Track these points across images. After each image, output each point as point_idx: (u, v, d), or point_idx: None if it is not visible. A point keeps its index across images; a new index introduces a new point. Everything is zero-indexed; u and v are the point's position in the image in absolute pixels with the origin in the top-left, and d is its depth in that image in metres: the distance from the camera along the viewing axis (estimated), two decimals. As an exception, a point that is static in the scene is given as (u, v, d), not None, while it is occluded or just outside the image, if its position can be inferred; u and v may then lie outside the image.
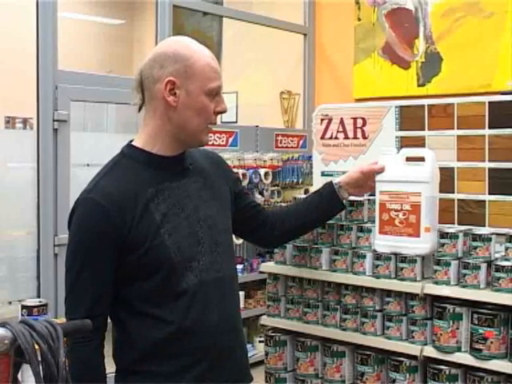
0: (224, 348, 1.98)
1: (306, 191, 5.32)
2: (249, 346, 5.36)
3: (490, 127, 2.55)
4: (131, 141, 2.05)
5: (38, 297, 3.82)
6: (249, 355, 5.15)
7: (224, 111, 2.01)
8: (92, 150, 4.95)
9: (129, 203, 1.90)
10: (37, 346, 1.37)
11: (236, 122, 6.80)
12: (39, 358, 1.36)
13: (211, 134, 5.01)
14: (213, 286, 1.97)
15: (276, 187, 5.48)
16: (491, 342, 2.19)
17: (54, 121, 4.08)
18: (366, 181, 2.45)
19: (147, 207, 1.91)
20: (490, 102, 2.56)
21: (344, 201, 2.43)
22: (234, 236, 2.24)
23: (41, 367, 1.35)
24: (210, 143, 5.05)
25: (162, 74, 1.93)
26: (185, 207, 1.98)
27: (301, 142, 5.97)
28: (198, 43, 2.04)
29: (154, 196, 1.93)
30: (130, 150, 2.01)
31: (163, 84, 1.93)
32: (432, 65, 5.47)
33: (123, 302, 1.94)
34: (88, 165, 4.81)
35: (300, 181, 5.62)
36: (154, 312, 1.91)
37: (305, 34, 6.28)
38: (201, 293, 1.94)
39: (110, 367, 2.00)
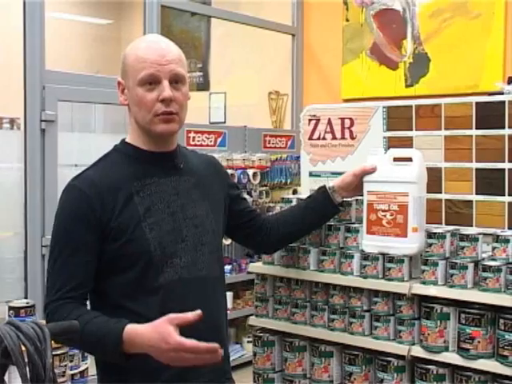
0: None
1: (295, 191, 5.32)
2: (237, 346, 5.37)
3: (477, 128, 2.55)
4: (125, 138, 2.10)
5: (26, 298, 3.80)
6: (237, 356, 5.21)
7: (164, 98, 1.93)
8: (80, 151, 4.94)
9: (111, 193, 1.93)
10: (23, 348, 1.36)
11: (224, 122, 6.80)
12: (26, 360, 1.35)
13: (199, 134, 5.09)
14: (194, 285, 1.97)
15: (264, 187, 5.49)
16: (478, 342, 2.20)
17: (41, 121, 4.07)
18: (360, 182, 2.46)
19: (131, 199, 1.94)
20: (477, 103, 2.57)
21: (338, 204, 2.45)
22: (223, 237, 2.24)
23: (27, 369, 1.35)
24: (199, 143, 5.06)
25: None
26: (171, 204, 1.99)
27: (289, 143, 5.98)
28: (153, 37, 2.09)
29: (139, 189, 1.96)
30: (121, 146, 2.08)
31: (117, 86, 2.05)
32: (420, 65, 5.50)
33: (102, 295, 1.96)
34: (76, 165, 4.80)
35: (288, 181, 5.62)
36: (131, 306, 1.92)
37: (293, 35, 6.29)
38: (179, 290, 1.94)
39: (94, 369, 2.00)
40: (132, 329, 1.80)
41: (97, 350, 1.92)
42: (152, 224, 1.94)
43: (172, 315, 1.76)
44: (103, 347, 1.84)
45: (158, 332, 1.75)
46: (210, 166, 2.23)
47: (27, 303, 2.51)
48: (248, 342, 5.23)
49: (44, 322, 1.84)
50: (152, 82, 1.94)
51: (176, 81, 1.97)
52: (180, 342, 1.73)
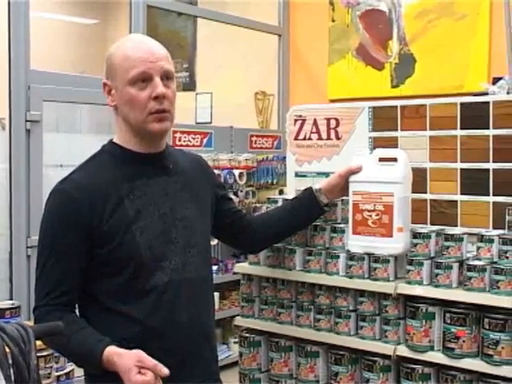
0: (192, 351, 1.99)
1: (281, 192, 5.33)
2: (224, 346, 5.37)
3: (461, 128, 2.57)
4: (113, 138, 2.08)
5: (11, 299, 3.78)
6: (224, 356, 5.20)
7: (158, 95, 1.93)
8: (65, 151, 4.91)
9: (100, 196, 1.92)
10: (7, 349, 1.35)
11: (210, 122, 6.80)
12: (10, 361, 1.35)
13: (185, 134, 5.09)
14: (183, 287, 1.98)
15: (251, 188, 5.48)
16: (463, 341, 2.21)
17: (26, 121, 4.05)
18: (346, 183, 2.47)
19: (122, 202, 1.93)
20: (461, 103, 2.58)
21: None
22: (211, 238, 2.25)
23: (11, 370, 1.34)
24: (185, 144, 5.06)
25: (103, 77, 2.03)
26: (161, 206, 1.99)
27: (275, 143, 5.98)
28: (138, 36, 2.08)
29: (129, 191, 1.95)
30: (109, 147, 2.06)
31: (102, 88, 2.02)
32: (405, 66, 5.52)
33: (92, 297, 1.95)
34: (61, 166, 4.77)
35: (275, 181, 5.63)
36: (121, 309, 1.92)
37: (279, 35, 6.30)
38: (170, 292, 1.95)
39: (80, 370, 2.00)
40: (111, 352, 1.83)
41: (78, 364, 2.00)
42: (142, 227, 1.93)
43: (145, 359, 1.79)
44: (84, 364, 1.93)
45: (123, 365, 1.79)
46: (198, 165, 2.23)
47: (12, 304, 2.51)
48: (234, 342, 5.22)
49: (29, 323, 1.84)
50: (144, 79, 1.93)
51: (167, 77, 1.97)
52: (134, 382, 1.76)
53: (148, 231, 1.94)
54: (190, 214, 2.05)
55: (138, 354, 1.79)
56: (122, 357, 1.80)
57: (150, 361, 1.78)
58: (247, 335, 2.71)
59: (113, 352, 1.82)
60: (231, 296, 5.47)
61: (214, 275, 5.05)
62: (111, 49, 2.02)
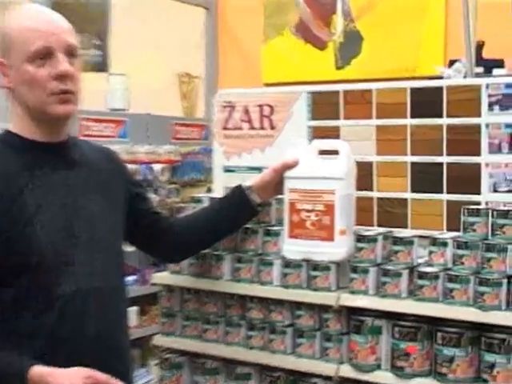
0: (103, 367, 1.97)
1: (209, 190, 5.31)
2: (143, 370, 5.32)
3: (412, 116, 2.61)
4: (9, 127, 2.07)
5: None
6: (143, 381, 5.12)
7: (62, 73, 1.93)
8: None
9: None
10: None
11: (127, 109, 6.73)
12: None
13: (96, 123, 5.01)
14: (91, 296, 1.98)
15: (174, 185, 5.46)
16: (414, 358, 2.25)
17: None
18: (281, 180, 2.48)
19: (20, 194, 1.93)
20: (411, 89, 2.62)
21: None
22: (126, 243, 2.24)
23: None
24: (95, 134, 4.98)
25: None
26: (62, 197, 2.00)
27: (203, 133, 5.96)
28: (35, 6, 2.08)
29: (28, 181, 1.95)
30: (5, 136, 2.06)
31: None
32: (351, 45, 5.56)
33: None
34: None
35: (202, 177, 5.61)
36: (25, 320, 1.90)
37: (206, 8, 6.29)
38: (77, 301, 1.94)
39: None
40: (38, 372, 1.82)
41: None
42: (43, 221, 1.93)
43: (95, 374, 1.82)
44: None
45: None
46: (107, 158, 2.23)
47: None
48: (155, 364, 5.18)
49: None
50: (44, 55, 1.92)
51: (71, 54, 1.97)
52: None
53: (49, 225, 1.94)
54: (96, 208, 2.06)
55: (82, 370, 1.82)
56: (56, 376, 1.81)
57: (102, 375, 1.83)
58: (168, 356, 2.71)
59: (40, 371, 1.82)
60: (151, 311, 5.43)
61: (132, 287, 5.02)
62: (5, 21, 2.00)
